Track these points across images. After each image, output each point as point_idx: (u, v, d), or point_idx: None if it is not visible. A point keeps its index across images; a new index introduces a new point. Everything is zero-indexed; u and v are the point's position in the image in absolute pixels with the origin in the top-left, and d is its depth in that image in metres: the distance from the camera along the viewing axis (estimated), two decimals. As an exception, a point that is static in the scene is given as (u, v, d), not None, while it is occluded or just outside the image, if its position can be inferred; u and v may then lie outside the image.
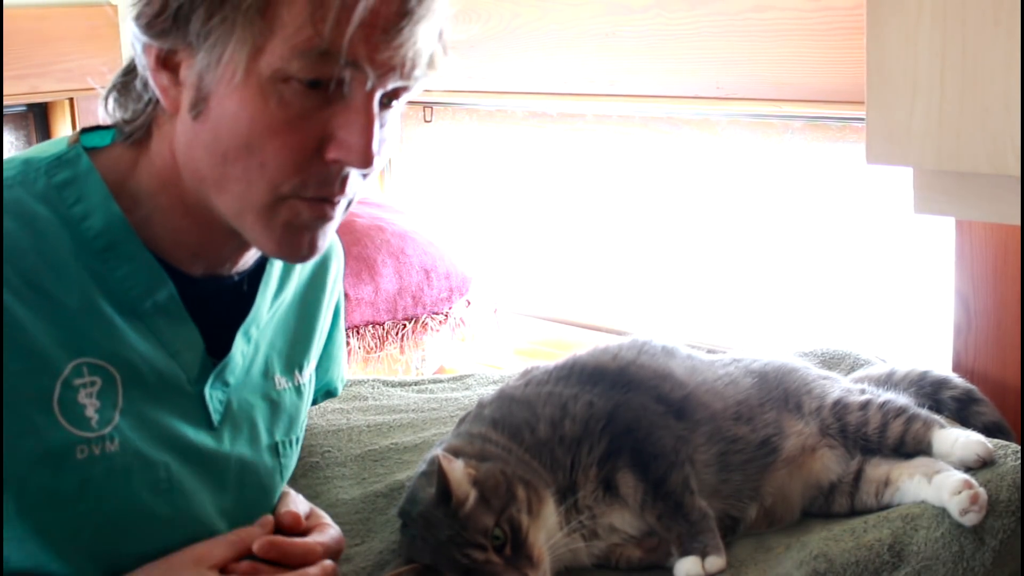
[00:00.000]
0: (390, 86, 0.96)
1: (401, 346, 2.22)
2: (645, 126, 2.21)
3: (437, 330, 2.28)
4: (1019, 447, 1.21)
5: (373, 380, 1.80)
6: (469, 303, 2.34)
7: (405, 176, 2.72)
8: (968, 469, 1.18)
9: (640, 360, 1.31)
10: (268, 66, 0.92)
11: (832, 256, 2.01)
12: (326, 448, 1.50)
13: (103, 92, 1.06)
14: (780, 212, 2.06)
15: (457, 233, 2.44)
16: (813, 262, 2.04)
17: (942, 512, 1.13)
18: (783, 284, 2.08)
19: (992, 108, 0.79)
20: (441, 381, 1.82)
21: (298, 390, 1.20)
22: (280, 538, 1.07)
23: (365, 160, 0.95)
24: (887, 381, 1.39)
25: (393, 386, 1.79)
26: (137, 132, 1.04)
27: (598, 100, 2.10)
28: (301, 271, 1.21)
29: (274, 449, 1.15)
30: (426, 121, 2.62)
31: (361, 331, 2.16)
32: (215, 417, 1.08)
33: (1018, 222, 0.84)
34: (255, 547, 1.04)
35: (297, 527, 1.11)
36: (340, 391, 1.43)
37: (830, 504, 1.25)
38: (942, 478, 1.15)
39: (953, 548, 1.10)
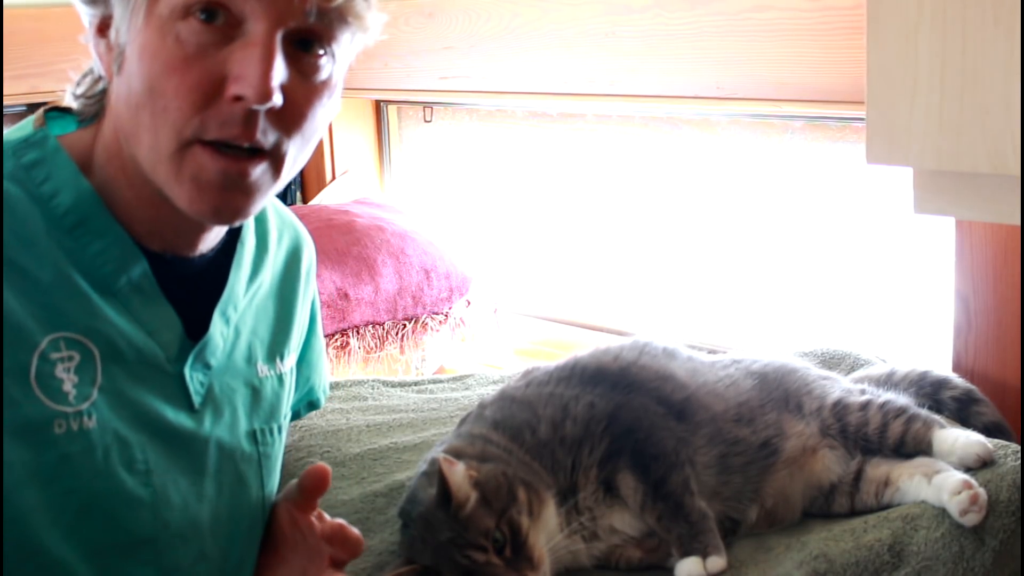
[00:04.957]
0: (291, 24, 0.95)
1: (401, 346, 2.22)
2: (645, 126, 2.21)
3: (437, 330, 2.28)
4: (1019, 447, 1.21)
5: (373, 380, 1.80)
6: (469, 303, 2.34)
7: (405, 176, 2.72)
8: (968, 469, 1.18)
9: (641, 361, 1.31)
10: (165, 4, 0.93)
11: (832, 256, 2.01)
12: (325, 448, 1.50)
13: (76, 77, 1.07)
14: (780, 212, 2.06)
15: (457, 233, 2.44)
16: (813, 262, 2.04)
17: (942, 512, 1.13)
18: (783, 284, 2.08)
19: (992, 108, 0.79)
20: (441, 381, 1.82)
21: (280, 379, 1.19)
22: (343, 522, 1.07)
23: (262, 91, 0.93)
24: (887, 381, 1.39)
25: (393, 386, 1.79)
26: (91, 107, 1.05)
27: (598, 100, 2.10)
28: (275, 256, 1.20)
29: (252, 436, 1.14)
30: (426, 121, 2.62)
31: (361, 331, 2.16)
32: (196, 399, 1.07)
33: (1018, 222, 0.84)
34: (324, 529, 1.03)
35: (326, 481, 1.10)
36: (323, 403, 1.40)
37: (830, 504, 1.25)
38: (942, 478, 1.15)
39: (953, 548, 1.10)
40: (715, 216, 2.15)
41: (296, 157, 1.01)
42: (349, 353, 2.13)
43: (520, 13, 2.13)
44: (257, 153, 0.97)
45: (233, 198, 0.98)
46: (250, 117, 0.95)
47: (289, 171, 1.01)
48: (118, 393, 1.00)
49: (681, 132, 2.15)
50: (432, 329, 2.27)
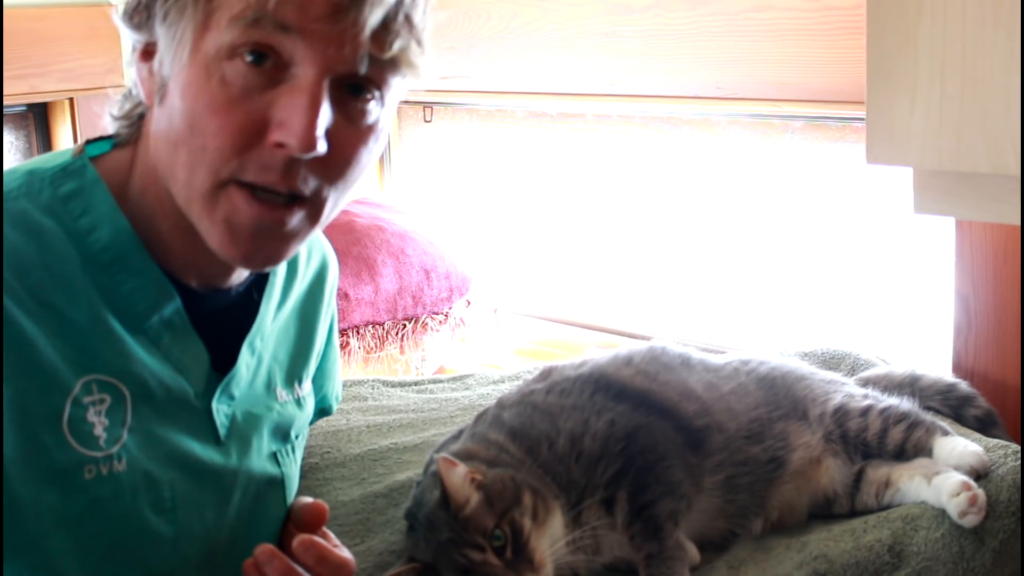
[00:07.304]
0: (340, 70, 0.92)
1: (401, 346, 2.22)
2: (645, 126, 2.20)
3: (437, 330, 2.28)
4: (1019, 447, 1.21)
5: (373, 380, 1.80)
6: (469, 303, 2.34)
7: (405, 176, 2.72)
8: (966, 476, 1.18)
9: (662, 377, 1.29)
10: (212, 42, 0.90)
11: (832, 256, 2.01)
12: (325, 448, 1.50)
13: (119, 95, 1.05)
14: (780, 212, 2.06)
15: (457, 233, 2.44)
16: (813, 262, 2.04)
17: (942, 513, 1.13)
18: (783, 284, 2.08)
19: (992, 108, 0.79)
20: (441, 381, 1.82)
21: (298, 403, 1.19)
22: (320, 541, 1.01)
23: (306, 142, 0.89)
24: (911, 386, 1.37)
25: (393, 386, 1.79)
26: (130, 130, 1.02)
27: (598, 100, 2.10)
28: (302, 279, 1.19)
29: (274, 458, 1.14)
30: (426, 121, 2.62)
31: (361, 331, 2.16)
32: (222, 432, 1.06)
33: (1018, 222, 0.84)
34: (294, 543, 0.99)
35: (322, 518, 1.07)
36: (335, 409, 1.39)
37: (831, 505, 1.25)
38: (941, 479, 1.15)
39: (953, 549, 1.10)
40: (715, 216, 2.15)
41: (337, 202, 0.98)
42: (349, 353, 2.13)
43: (520, 13, 2.13)
44: (296, 200, 0.94)
45: (266, 245, 0.95)
46: (291, 164, 0.92)
47: (328, 216, 0.98)
48: (147, 433, 0.99)
49: (681, 132, 2.15)
50: (432, 329, 2.27)
